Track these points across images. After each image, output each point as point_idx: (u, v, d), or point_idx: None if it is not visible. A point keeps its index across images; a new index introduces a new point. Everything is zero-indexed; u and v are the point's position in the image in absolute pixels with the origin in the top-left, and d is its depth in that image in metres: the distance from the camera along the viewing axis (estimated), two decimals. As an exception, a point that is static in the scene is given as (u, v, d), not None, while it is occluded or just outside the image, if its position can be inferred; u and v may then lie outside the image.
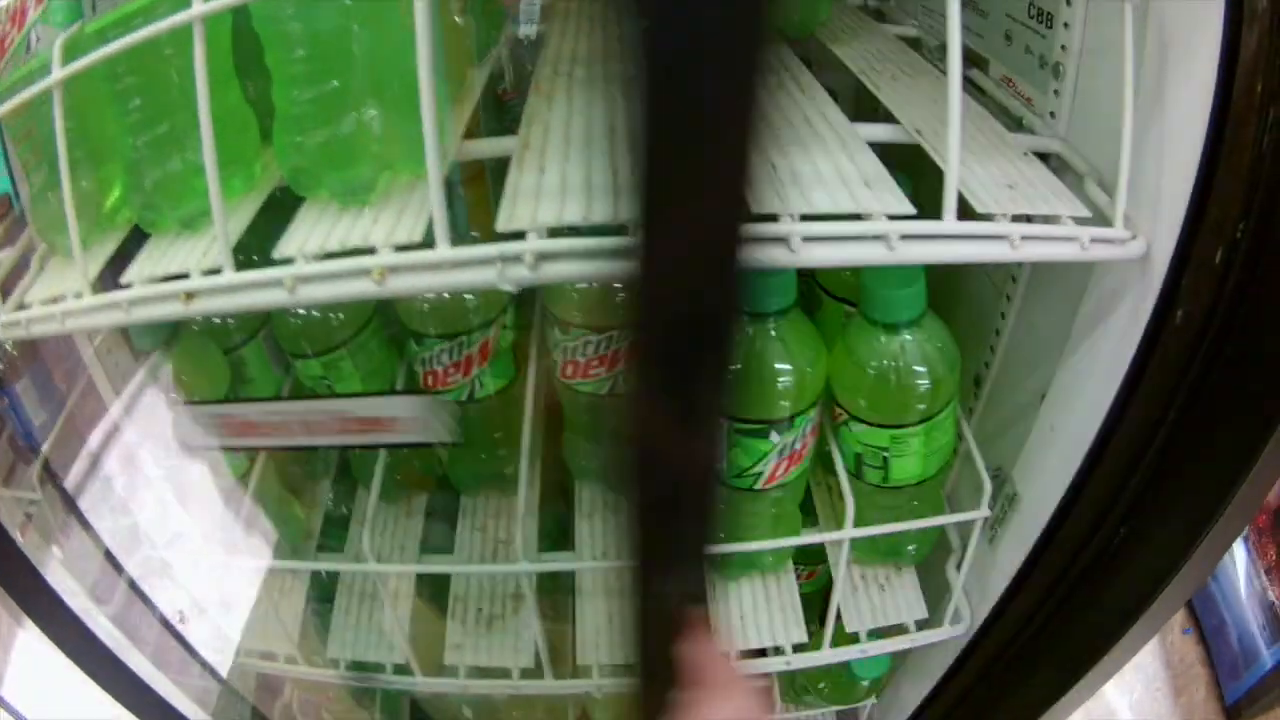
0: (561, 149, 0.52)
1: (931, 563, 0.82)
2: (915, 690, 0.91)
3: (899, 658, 0.94)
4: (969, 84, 0.67)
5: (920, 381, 0.62)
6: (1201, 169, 0.46)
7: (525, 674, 0.75)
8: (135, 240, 0.55)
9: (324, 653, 0.80)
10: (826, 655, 0.77)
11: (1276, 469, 0.49)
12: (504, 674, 0.76)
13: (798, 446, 0.66)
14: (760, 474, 0.65)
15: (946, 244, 0.47)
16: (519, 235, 0.46)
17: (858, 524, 0.68)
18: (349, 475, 0.89)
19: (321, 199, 0.51)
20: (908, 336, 0.61)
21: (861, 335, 0.62)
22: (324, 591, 0.85)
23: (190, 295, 0.49)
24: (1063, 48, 0.57)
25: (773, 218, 0.46)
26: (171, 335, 0.69)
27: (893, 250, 0.46)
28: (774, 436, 0.64)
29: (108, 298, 0.51)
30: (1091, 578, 0.62)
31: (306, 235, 0.48)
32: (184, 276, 0.49)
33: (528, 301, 0.79)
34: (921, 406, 0.63)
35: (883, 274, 0.60)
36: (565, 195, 0.48)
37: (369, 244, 0.47)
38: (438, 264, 0.46)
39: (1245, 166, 0.44)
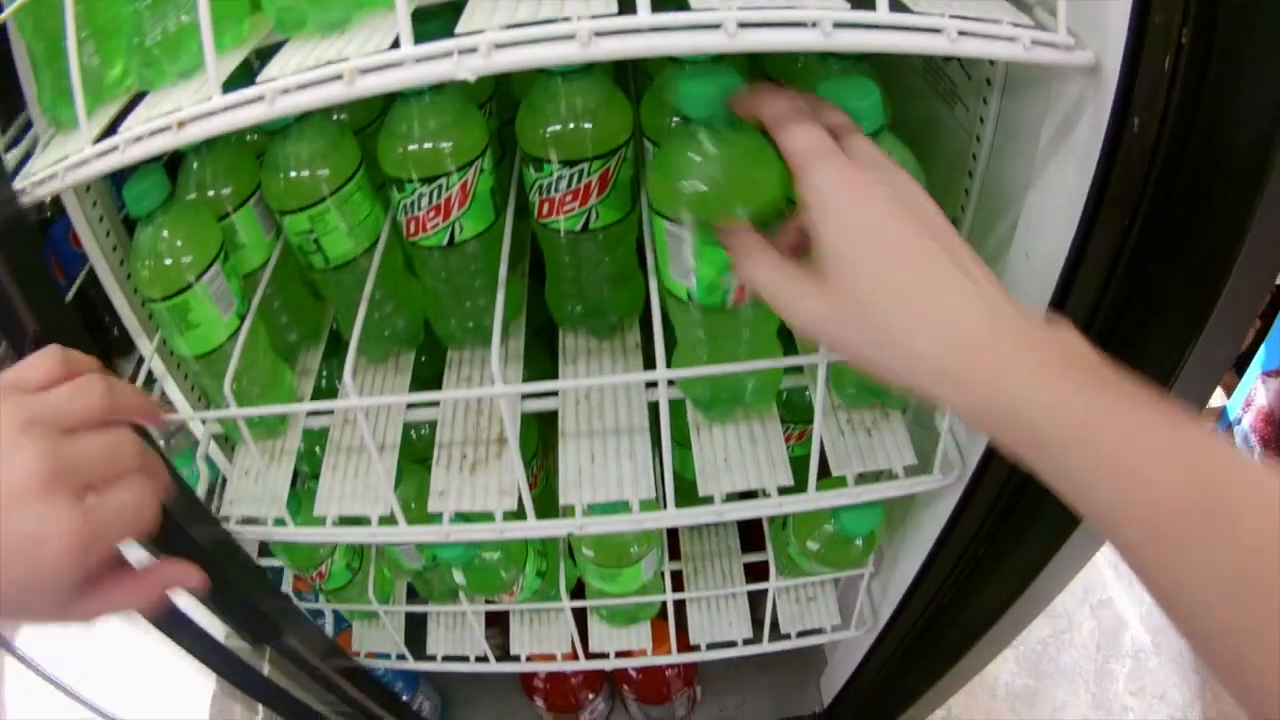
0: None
1: (921, 417, 0.82)
2: (910, 562, 0.91)
3: (893, 521, 0.93)
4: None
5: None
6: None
7: (508, 516, 0.75)
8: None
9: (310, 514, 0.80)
10: (814, 498, 0.77)
11: (1258, 267, 0.49)
12: (488, 518, 0.76)
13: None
14: (727, 290, 0.64)
15: (881, 34, 0.47)
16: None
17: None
18: (339, 350, 0.90)
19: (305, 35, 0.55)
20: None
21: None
22: (313, 466, 0.86)
23: (182, 124, 0.52)
24: None
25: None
26: (166, 201, 0.69)
27: (828, 37, 0.46)
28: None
29: (104, 144, 0.55)
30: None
31: (287, 59, 0.52)
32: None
33: (510, 146, 0.79)
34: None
35: (839, 87, 0.58)
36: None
37: (342, 56, 0.49)
38: (400, 61, 0.47)
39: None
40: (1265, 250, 0.49)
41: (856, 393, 0.78)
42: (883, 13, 0.47)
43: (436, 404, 0.83)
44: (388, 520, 0.77)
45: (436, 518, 0.77)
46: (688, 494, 0.75)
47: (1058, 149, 0.58)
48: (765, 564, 1.02)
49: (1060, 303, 0.60)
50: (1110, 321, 0.60)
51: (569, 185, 0.69)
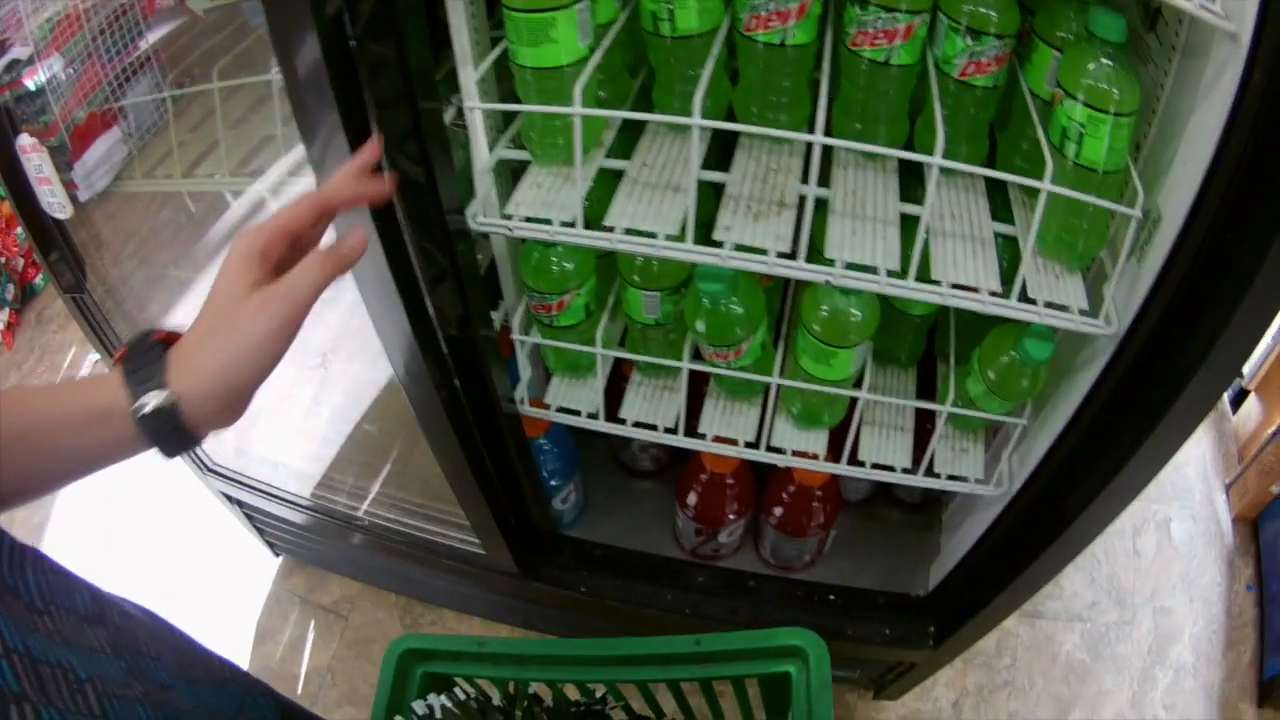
0: None
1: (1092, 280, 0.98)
2: (1051, 430, 1.06)
3: (1055, 371, 1.08)
4: None
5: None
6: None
7: (780, 255, 0.92)
8: None
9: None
10: (1015, 306, 0.92)
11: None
12: (761, 252, 0.92)
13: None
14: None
15: None
16: None
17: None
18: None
19: None
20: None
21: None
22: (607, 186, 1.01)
23: None
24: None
25: None
26: None
27: None
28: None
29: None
30: (1213, 276, 0.81)
31: None
32: None
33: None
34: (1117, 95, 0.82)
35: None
36: None
37: None
38: None
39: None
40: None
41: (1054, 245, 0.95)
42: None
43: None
44: (674, 238, 0.94)
45: (716, 245, 0.93)
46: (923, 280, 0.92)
47: (1209, 95, 0.77)
48: (932, 415, 1.17)
49: (1204, 192, 0.79)
50: (1235, 202, 0.77)
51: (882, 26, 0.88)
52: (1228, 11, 0.70)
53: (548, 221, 0.97)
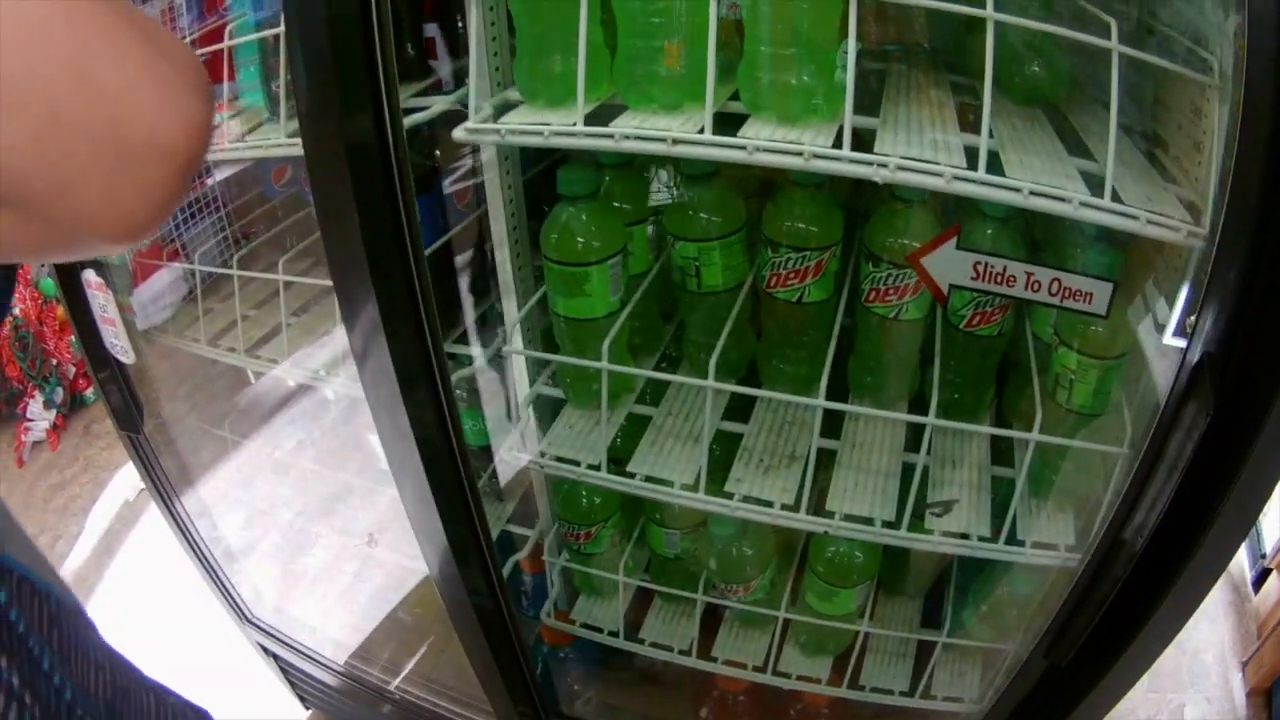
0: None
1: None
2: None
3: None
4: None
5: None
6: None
7: (784, 507, 1.01)
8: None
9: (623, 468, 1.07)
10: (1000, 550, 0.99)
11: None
12: (767, 504, 1.01)
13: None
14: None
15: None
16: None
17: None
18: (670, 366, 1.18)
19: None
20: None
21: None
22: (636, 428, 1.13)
23: (676, 141, 0.80)
24: None
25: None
26: (591, 192, 0.99)
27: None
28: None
29: (600, 129, 0.82)
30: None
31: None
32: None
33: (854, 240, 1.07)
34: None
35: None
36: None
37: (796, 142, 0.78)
38: (838, 157, 0.76)
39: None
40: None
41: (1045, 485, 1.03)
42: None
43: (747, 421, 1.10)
44: (689, 487, 1.04)
45: (727, 495, 1.03)
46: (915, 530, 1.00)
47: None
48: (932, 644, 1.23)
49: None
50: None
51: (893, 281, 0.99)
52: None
53: (576, 463, 1.08)
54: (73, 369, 2.81)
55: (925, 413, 0.94)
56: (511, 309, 1.09)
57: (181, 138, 0.41)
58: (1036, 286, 0.81)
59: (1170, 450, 0.80)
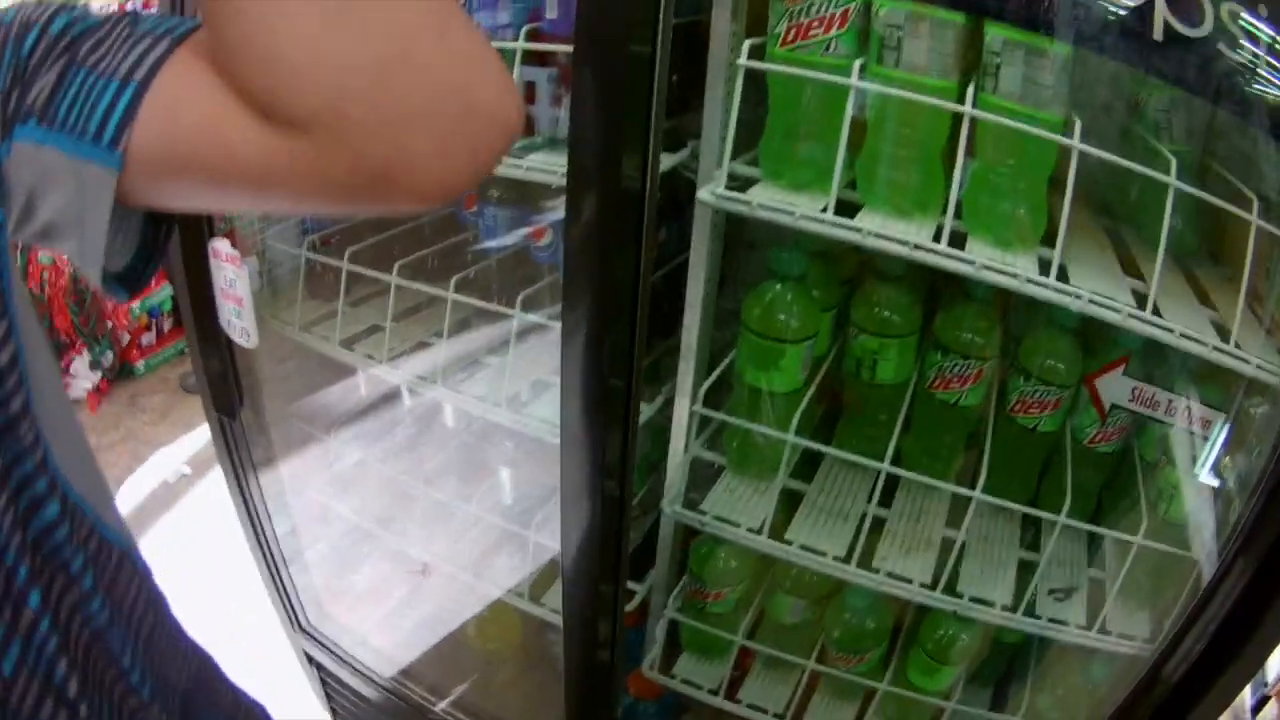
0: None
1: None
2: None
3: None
4: None
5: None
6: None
7: (922, 585, 1.16)
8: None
9: (780, 533, 1.22)
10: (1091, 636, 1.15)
11: None
12: (907, 581, 1.17)
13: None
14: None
15: None
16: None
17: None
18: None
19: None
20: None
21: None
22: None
23: (917, 246, 0.95)
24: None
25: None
26: (800, 275, 1.14)
27: None
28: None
29: (849, 222, 0.96)
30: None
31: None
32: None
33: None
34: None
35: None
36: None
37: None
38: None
39: None
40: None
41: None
42: None
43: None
44: (840, 559, 1.19)
45: (873, 570, 1.18)
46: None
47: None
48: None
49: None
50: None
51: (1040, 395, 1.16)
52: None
53: (736, 524, 1.22)
54: (127, 336, 2.78)
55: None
56: (689, 369, 1.19)
57: (516, 118, 0.43)
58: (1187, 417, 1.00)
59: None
